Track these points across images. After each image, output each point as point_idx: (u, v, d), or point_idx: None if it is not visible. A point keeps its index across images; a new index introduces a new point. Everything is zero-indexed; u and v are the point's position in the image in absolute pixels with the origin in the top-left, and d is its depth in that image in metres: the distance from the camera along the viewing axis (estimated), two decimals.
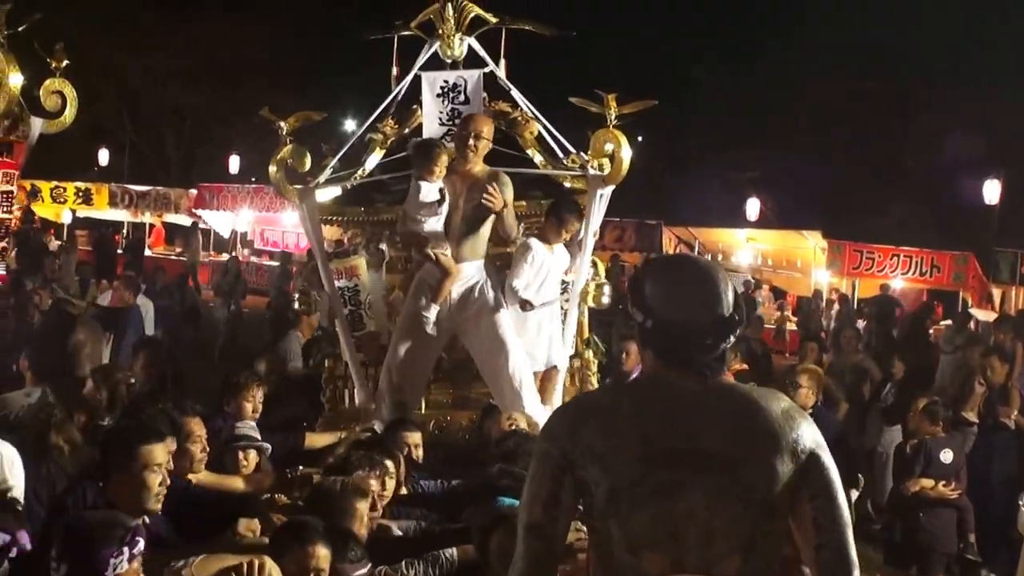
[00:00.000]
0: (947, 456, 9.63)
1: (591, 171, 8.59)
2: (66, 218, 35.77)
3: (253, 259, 33.67)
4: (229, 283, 22.83)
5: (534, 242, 8.36)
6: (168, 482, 5.10)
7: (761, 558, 3.20)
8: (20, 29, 10.33)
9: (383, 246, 9.11)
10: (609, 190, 8.64)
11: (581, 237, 8.52)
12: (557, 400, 8.32)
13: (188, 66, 40.01)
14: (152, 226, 36.89)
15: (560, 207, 8.45)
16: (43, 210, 35.11)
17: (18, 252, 16.95)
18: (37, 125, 11.26)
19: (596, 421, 3.27)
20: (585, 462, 3.24)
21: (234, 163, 37.08)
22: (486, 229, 8.21)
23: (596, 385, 9.02)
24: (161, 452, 5.08)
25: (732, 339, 3.35)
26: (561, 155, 8.92)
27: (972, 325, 19.53)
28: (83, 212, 36.17)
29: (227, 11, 39.48)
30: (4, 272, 12.73)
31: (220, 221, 35.48)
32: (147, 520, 4.90)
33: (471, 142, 8.08)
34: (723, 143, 39.53)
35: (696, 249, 32.72)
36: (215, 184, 35.50)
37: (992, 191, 27.76)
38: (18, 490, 6.28)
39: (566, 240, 8.55)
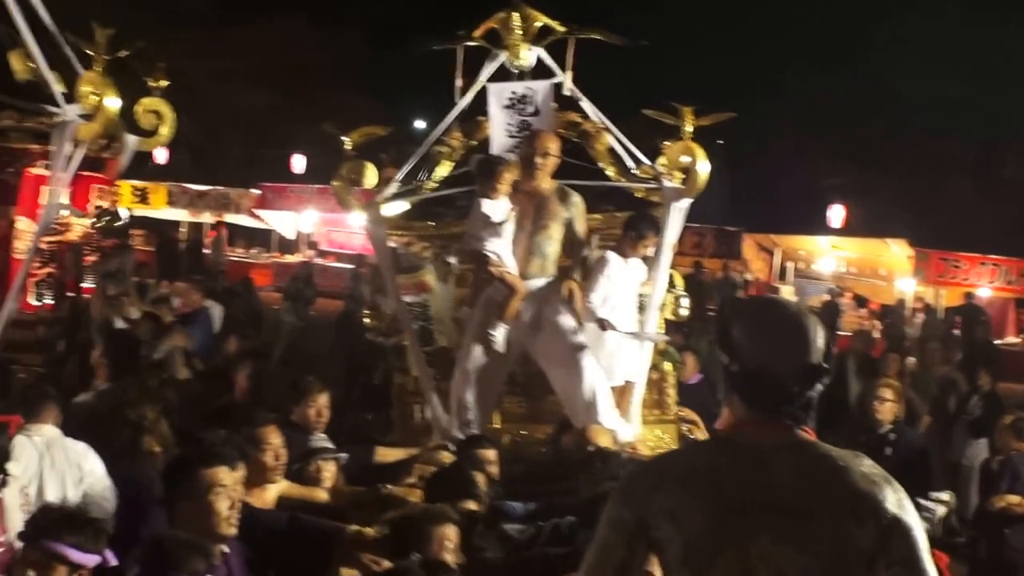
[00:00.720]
0: None
1: (667, 184, 8.59)
2: (122, 216, 35.22)
3: (319, 261, 32.98)
4: (298, 288, 22.13)
5: (611, 255, 8.40)
6: (239, 506, 5.06)
7: None
8: (121, 55, 10.10)
9: (451, 259, 9.10)
10: (686, 203, 8.67)
11: (658, 250, 8.52)
12: (635, 414, 8.50)
13: (251, 65, 39.97)
14: (212, 226, 36.48)
15: (638, 222, 8.51)
16: None
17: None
18: (132, 143, 11.12)
19: (671, 483, 3.26)
20: (659, 523, 3.24)
21: (298, 163, 36.99)
22: (554, 246, 8.23)
23: (673, 397, 9.24)
24: (226, 475, 5.02)
25: (820, 387, 3.30)
26: (632, 166, 8.82)
27: None
28: (139, 211, 35.63)
29: (292, 11, 39.67)
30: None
31: (284, 222, 35.34)
32: (226, 548, 4.98)
33: (538, 160, 8.11)
34: (807, 149, 38.63)
35: (777, 256, 32.35)
36: (278, 184, 35.46)
37: None
38: (98, 482, 6.79)
39: (643, 255, 8.54)
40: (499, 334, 8.05)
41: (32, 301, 11.08)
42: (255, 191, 35.19)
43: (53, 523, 4.75)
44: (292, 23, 39.42)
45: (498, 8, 8.98)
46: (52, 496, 6.68)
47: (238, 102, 41.69)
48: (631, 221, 8.58)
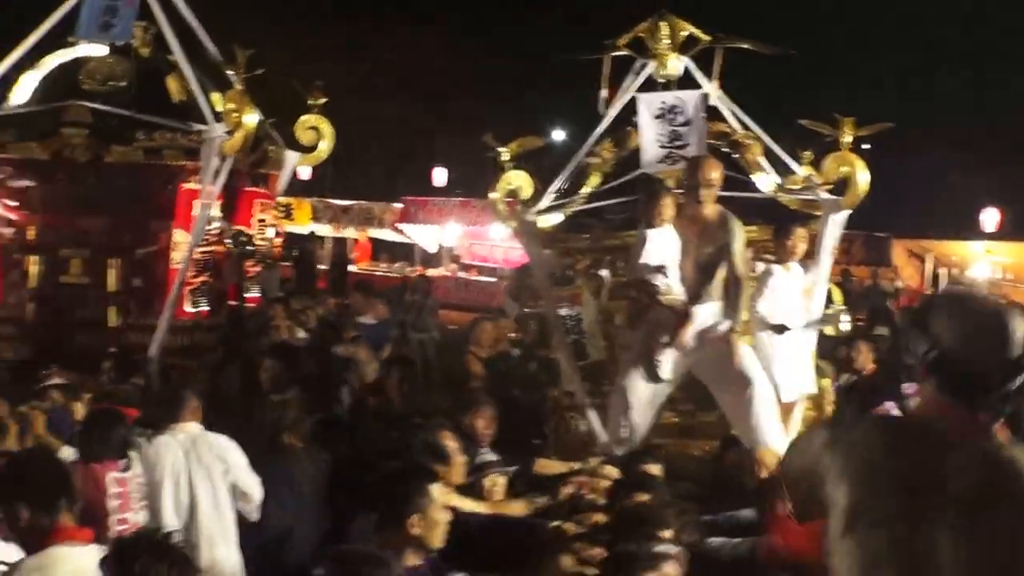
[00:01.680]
0: None
1: (824, 195, 8.82)
2: (268, 234, 35.80)
3: (462, 274, 33.26)
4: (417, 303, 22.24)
5: (772, 267, 8.63)
6: (450, 517, 5.32)
7: None
8: (258, 72, 11.01)
9: (603, 272, 9.20)
10: (844, 214, 8.90)
11: (815, 260, 8.72)
12: (795, 430, 8.39)
13: (391, 78, 40.58)
14: (356, 240, 37.04)
15: (780, 224, 8.73)
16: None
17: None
18: (292, 158, 12.32)
19: (844, 447, 3.37)
20: (830, 480, 3.34)
21: (439, 175, 37.29)
22: (720, 271, 8.19)
23: (831, 413, 9.34)
24: (440, 489, 5.32)
25: (1018, 382, 3.25)
26: (778, 178, 9.06)
27: None
28: (285, 228, 36.10)
29: (433, 23, 39.92)
30: (259, 295, 13.97)
31: (426, 235, 35.50)
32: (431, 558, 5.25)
33: (703, 191, 8.10)
34: (958, 149, 37.94)
35: (929, 262, 31.81)
36: (420, 197, 35.50)
37: None
38: (243, 475, 7.30)
39: (798, 256, 8.64)
40: (666, 360, 8.13)
41: (188, 308, 11.48)
42: (398, 205, 35.29)
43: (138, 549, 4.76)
44: (432, 34, 39.58)
45: (643, 18, 9.20)
46: (202, 490, 7.24)
47: (379, 115, 41.68)
48: (777, 228, 8.71)
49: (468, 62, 40.00)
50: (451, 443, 6.64)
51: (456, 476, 6.62)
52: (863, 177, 8.70)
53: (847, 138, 8.73)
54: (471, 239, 34.73)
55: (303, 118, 11.82)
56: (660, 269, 8.07)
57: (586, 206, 9.32)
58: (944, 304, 3.44)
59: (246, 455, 7.45)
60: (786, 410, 8.44)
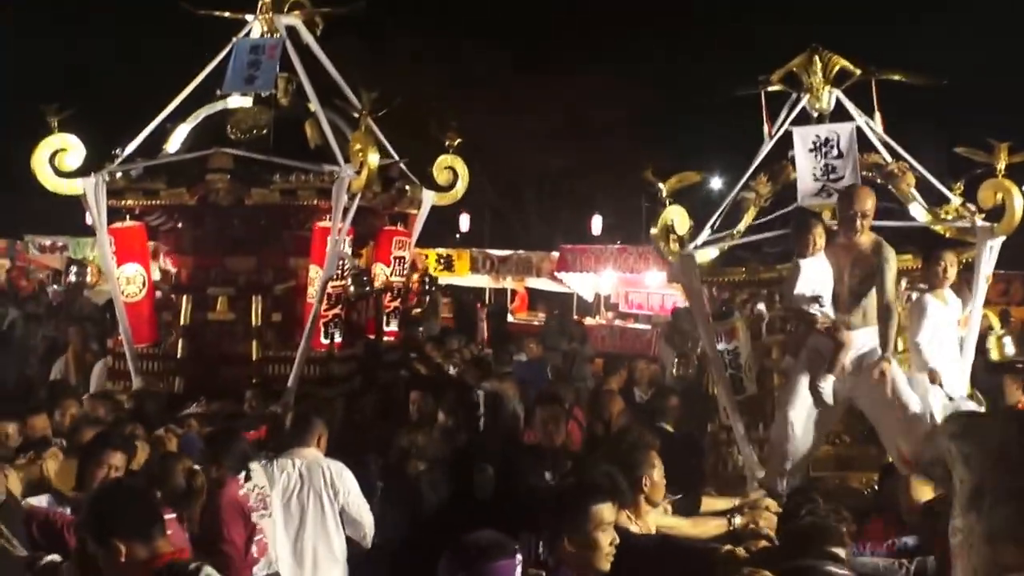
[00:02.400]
0: None
1: (979, 222, 8.83)
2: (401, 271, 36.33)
3: (618, 322, 33.03)
4: (574, 351, 22.58)
5: (927, 297, 8.51)
6: (617, 541, 5.33)
7: None
8: (381, 113, 11.89)
9: (761, 306, 9.42)
10: (999, 241, 8.91)
11: (973, 289, 8.76)
12: None
13: (548, 125, 40.73)
14: (514, 291, 37.33)
15: (931, 250, 8.63)
16: None
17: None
18: (429, 198, 13.13)
19: (974, 435, 3.42)
20: (958, 465, 3.42)
21: (596, 223, 37.18)
22: (874, 296, 8.24)
23: None
24: (609, 512, 5.30)
25: None
26: (927, 205, 9.10)
27: None
28: (444, 279, 35.87)
29: (584, 66, 39.82)
30: (396, 329, 14.42)
31: (583, 283, 35.34)
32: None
33: (858, 222, 8.21)
34: None
35: None
36: (578, 246, 35.22)
37: None
38: (354, 499, 7.94)
39: (949, 280, 8.54)
40: (827, 386, 8.19)
41: (323, 340, 12.19)
42: (555, 254, 35.21)
43: None
44: (585, 80, 39.50)
45: (795, 54, 9.33)
46: (311, 512, 7.87)
47: (535, 163, 42.37)
48: (926, 254, 8.70)
49: (622, 105, 39.76)
50: (654, 461, 6.73)
51: (657, 494, 6.73)
52: (1019, 203, 8.71)
53: (1002, 164, 8.77)
54: (627, 286, 34.24)
55: (440, 159, 12.81)
56: (815, 298, 8.19)
57: (743, 240, 9.42)
58: None
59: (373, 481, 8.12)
60: None
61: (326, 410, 9.55)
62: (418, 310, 17.91)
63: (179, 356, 12.59)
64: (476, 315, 32.09)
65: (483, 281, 36.96)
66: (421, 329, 17.75)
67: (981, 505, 3.30)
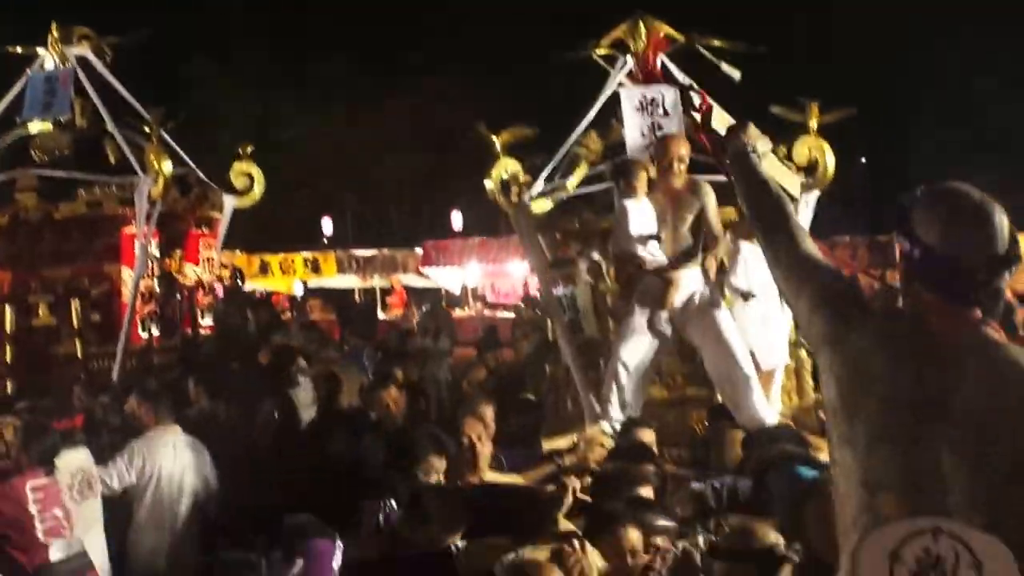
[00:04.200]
0: None
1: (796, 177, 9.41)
2: (297, 289, 37.06)
3: (487, 312, 33.85)
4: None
5: (744, 244, 8.98)
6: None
7: (1006, 522, 3.07)
8: (171, 126, 12.99)
9: (595, 254, 9.81)
10: (815, 195, 9.57)
11: None
12: (776, 400, 8.97)
13: (404, 129, 41.97)
14: (387, 289, 37.99)
15: None
16: (273, 283, 36.87)
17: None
18: (230, 202, 13.89)
19: (847, 343, 3.34)
20: (828, 373, 3.37)
21: (456, 219, 38.20)
22: (696, 236, 8.77)
23: (810, 383, 9.81)
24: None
25: (1008, 276, 3.25)
26: None
27: None
28: (314, 282, 37.46)
29: (434, 72, 41.37)
30: (212, 324, 15.43)
31: (449, 277, 36.46)
32: None
33: (675, 167, 8.71)
34: (947, 150, 38.81)
35: None
36: (440, 241, 36.43)
37: None
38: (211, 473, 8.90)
39: None
40: (659, 323, 8.61)
41: (141, 334, 13.40)
42: (419, 250, 36.15)
43: None
44: (434, 83, 41.09)
45: (620, 20, 9.85)
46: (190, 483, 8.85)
47: (394, 165, 43.64)
48: None
49: (471, 105, 40.61)
50: (477, 431, 7.03)
51: (484, 455, 7.02)
52: (830, 159, 9.34)
53: (814, 122, 9.40)
54: (493, 277, 35.67)
55: (236, 165, 13.63)
56: (643, 240, 8.51)
57: (576, 192, 9.85)
58: (926, 200, 3.33)
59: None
60: (765, 379, 8.79)
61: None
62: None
63: (8, 361, 13.39)
64: (351, 315, 32.59)
65: (352, 281, 37.69)
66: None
67: (856, 441, 3.22)
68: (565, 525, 5.88)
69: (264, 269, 36.49)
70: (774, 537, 4.65)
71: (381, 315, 34.85)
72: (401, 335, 20.61)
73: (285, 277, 37.09)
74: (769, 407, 8.47)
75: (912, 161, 39.28)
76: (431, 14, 42.65)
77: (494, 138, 9.76)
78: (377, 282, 37.53)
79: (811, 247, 3.64)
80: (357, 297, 37.90)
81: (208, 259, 14.89)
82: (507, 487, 6.91)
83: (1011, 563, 2.95)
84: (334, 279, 37.30)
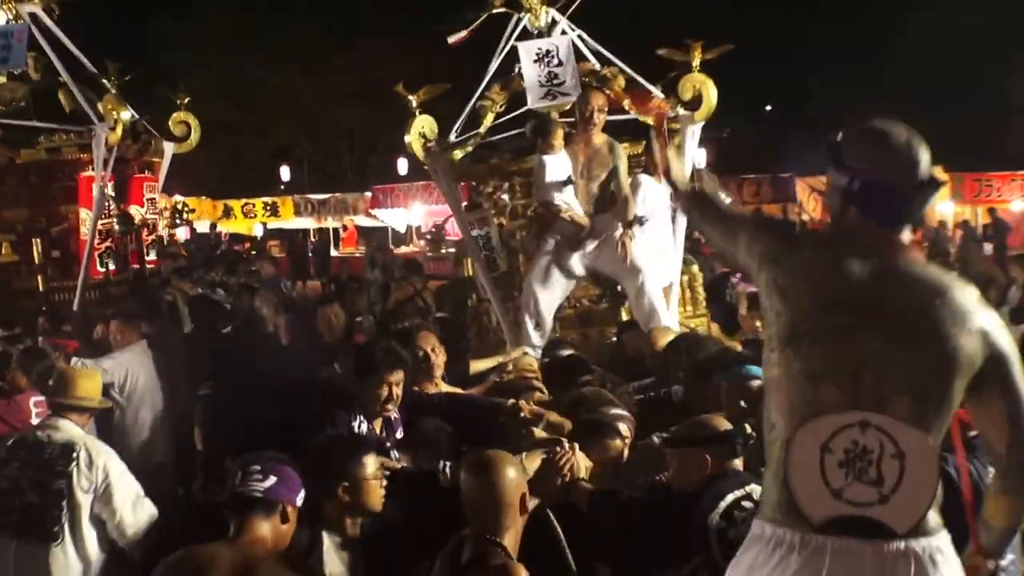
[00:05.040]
0: None
1: (681, 111, 9.38)
2: (258, 231, 37.19)
3: (430, 252, 33.62)
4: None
5: (643, 178, 8.93)
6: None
7: (932, 409, 3.17)
8: (127, 78, 12.58)
9: (504, 196, 9.81)
10: (699, 127, 9.50)
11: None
12: (674, 309, 9.14)
13: (355, 84, 41.52)
14: (339, 229, 38.13)
15: (650, 143, 9.05)
16: (236, 225, 37.15)
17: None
18: (169, 148, 13.69)
19: (787, 257, 3.37)
20: (771, 290, 3.35)
21: (402, 165, 37.89)
22: (606, 189, 8.80)
23: (701, 294, 10.03)
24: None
25: (930, 201, 3.37)
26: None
27: None
28: (273, 224, 37.75)
29: (386, 35, 40.84)
30: (156, 259, 15.41)
31: (395, 218, 36.62)
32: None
33: (594, 118, 8.69)
34: (845, 96, 39.05)
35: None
36: (387, 185, 36.66)
37: None
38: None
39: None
40: (571, 262, 8.71)
41: (99, 268, 13.09)
42: (368, 194, 36.50)
43: None
44: (384, 42, 40.53)
45: None
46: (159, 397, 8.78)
47: (346, 117, 43.38)
48: (647, 145, 9.21)
49: (415, 64, 40.53)
50: (431, 343, 6.85)
51: (438, 371, 6.81)
52: (714, 93, 9.25)
53: (696, 61, 9.32)
54: (434, 217, 35.45)
55: (174, 115, 13.39)
56: (559, 188, 8.56)
57: (485, 140, 9.82)
58: (861, 137, 3.39)
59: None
60: (664, 294, 8.89)
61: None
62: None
63: None
64: (304, 254, 33.16)
65: (308, 223, 37.90)
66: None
67: (800, 342, 3.22)
68: (540, 434, 5.81)
69: (228, 213, 36.91)
70: (727, 426, 4.70)
71: (334, 252, 34.93)
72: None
73: (247, 220, 37.29)
74: (672, 318, 8.70)
75: (809, 109, 39.06)
76: None
77: (410, 97, 9.69)
78: (331, 223, 37.69)
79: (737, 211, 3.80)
80: (312, 237, 37.49)
81: (151, 200, 14.65)
82: (469, 397, 6.90)
83: (932, 454, 3.11)
84: (291, 221, 37.59)
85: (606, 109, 8.76)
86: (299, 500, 4.26)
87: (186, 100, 13.24)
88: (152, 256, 15.09)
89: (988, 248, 23.39)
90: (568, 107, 9.37)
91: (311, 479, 4.51)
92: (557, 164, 8.62)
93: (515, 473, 4.16)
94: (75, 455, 6.04)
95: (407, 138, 9.62)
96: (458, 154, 9.79)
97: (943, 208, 29.69)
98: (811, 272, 3.28)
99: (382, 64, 38.28)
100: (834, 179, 3.39)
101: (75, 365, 7.89)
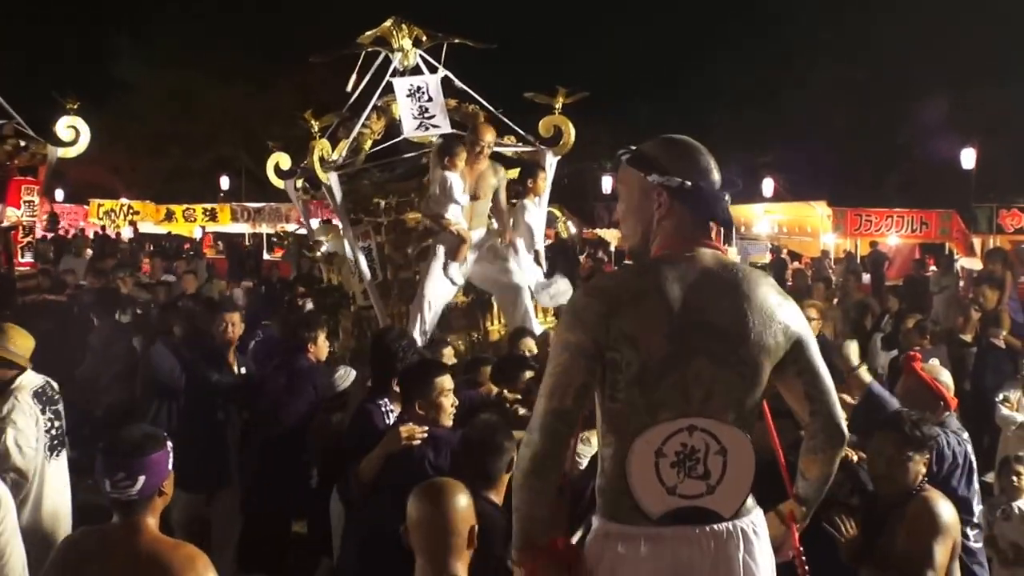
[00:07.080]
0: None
1: (540, 147, 9.76)
2: (197, 233, 36.85)
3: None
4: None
5: (526, 202, 9.35)
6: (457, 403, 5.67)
7: (747, 416, 3.26)
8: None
9: (381, 217, 9.87)
10: (556, 160, 9.83)
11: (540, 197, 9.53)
12: (532, 314, 9.17)
13: (290, 105, 40.65)
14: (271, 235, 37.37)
15: (527, 173, 9.54)
16: (177, 228, 36.80)
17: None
18: (55, 152, 12.37)
19: (627, 308, 3.14)
20: (618, 345, 3.13)
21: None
22: (488, 207, 9.27)
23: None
24: (449, 381, 5.53)
25: (728, 203, 3.35)
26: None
27: (959, 271, 19.94)
28: (211, 228, 37.47)
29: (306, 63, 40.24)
30: (32, 260, 14.81)
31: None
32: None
33: (484, 147, 8.95)
34: (740, 131, 39.26)
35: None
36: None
37: (968, 158, 29.53)
38: None
39: (540, 192, 9.45)
40: (453, 270, 8.85)
41: None
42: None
43: None
44: (319, 71, 39.85)
45: (381, 21, 9.86)
46: None
47: (284, 135, 42.56)
48: (523, 173, 9.56)
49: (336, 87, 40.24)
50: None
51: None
52: (572, 131, 9.64)
53: (559, 104, 9.66)
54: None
55: (62, 119, 12.06)
56: (455, 203, 8.77)
57: (367, 165, 10.00)
58: (674, 148, 3.36)
59: None
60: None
61: None
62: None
63: None
64: (241, 254, 32.42)
65: (244, 228, 37.40)
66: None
67: (646, 380, 3.14)
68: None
69: (169, 216, 36.99)
70: None
71: (267, 256, 34.06)
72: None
73: (187, 223, 37.04)
74: (538, 323, 9.10)
75: (705, 137, 39.12)
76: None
77: (314, 122, 9.96)
78: (264, 229, 37.00)
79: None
80: (247, 241, 36.98)
81: (28, 203, 13.65)
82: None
83: (749, 447, 3.23)
84: (228, 226, 37.42)
85: (492, 143, 9.08)
86: (169, 466, 3.99)
87: (76, 105, 12.03)
88: (28, 258, 14.34)
89: (866, 278, 23.18)
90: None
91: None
92: (455, 182, 8.83)
93: (466, 502, 3.82)
94: None
95: (309, 159, 9.56)
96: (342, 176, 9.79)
97: (826, 240, 29.66)
98: (642, 308, 3.14)
99: (316, 88, 37.84)
100: (646, 186, 3.31)
101: None
